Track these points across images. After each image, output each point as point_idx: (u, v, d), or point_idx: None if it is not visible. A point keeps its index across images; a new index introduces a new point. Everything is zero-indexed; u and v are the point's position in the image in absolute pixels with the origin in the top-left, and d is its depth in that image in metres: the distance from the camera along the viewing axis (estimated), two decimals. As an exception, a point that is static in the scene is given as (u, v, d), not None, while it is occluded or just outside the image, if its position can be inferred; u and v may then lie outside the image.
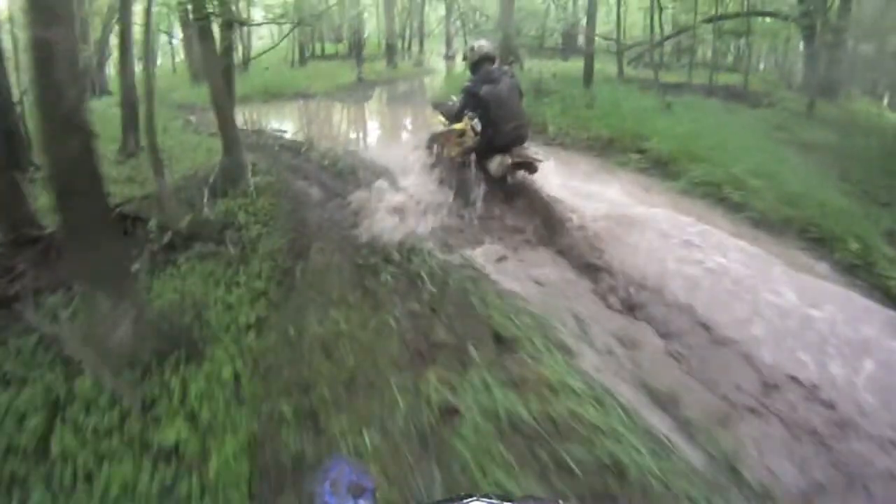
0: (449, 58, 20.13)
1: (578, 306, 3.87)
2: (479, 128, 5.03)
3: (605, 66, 15.30)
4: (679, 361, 3.26)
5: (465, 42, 21.23)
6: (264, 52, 12.34)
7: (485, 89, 4.86)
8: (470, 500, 0.87)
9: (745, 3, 18.04)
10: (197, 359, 2.96)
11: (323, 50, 21.02)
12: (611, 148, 8.02)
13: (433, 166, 5.85)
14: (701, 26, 18.54)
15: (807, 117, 12.93)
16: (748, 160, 7.24)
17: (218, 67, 5.19)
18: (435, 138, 5.87)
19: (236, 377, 2.83)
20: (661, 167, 7.05)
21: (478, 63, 5.15)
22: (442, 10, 22.56)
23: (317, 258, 4.21)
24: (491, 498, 0.88)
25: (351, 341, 3.13)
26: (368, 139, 8.98)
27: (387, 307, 3.46)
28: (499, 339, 3.18)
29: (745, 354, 3.24)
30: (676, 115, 9.99)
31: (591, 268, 4.27)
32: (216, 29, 5.79)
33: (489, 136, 4.94)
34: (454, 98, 5.87)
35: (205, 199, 5.43)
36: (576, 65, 15.97)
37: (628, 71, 15.62)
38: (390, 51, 18.08)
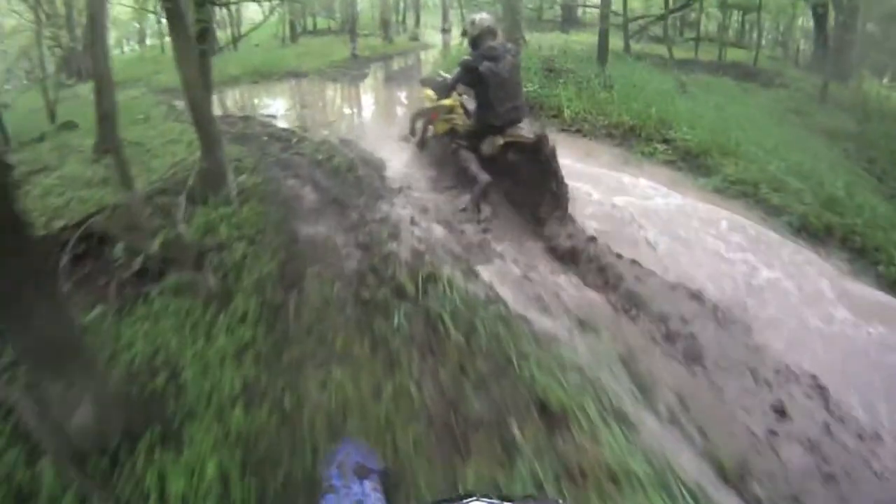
0: (445, 31, 19.13)
1: (624, 347, 3.27)
2: (470, 105, 4.93)
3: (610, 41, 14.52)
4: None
5: (462, 15, 20.32)
6: (253, 28, 11.37)
7: (485, 66, 4.56)
8: (470, 500, 0.86)
9: (754, -24, 17.10)
10: (174, 442, 2.31)
11: (315, 25, 19.93)
12: (633, 136, 7.30)
13: (420, 147, 5.68)
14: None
15: (821, 100, 12.27)
16: (780, 155, 6.60)
17: (191, 54, 4.39)
18: (420, 114, 5.71)
19: (223, 476, 2.17)
20: (691, 161, 6.39)
21: (479, 38, 4.82)
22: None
23: (313, 290, 3.52)
24: (491, 498, 0.86)
25: (362, 417, 2.47)
26: (365, 126, 8.12)
27: (403, 364, 2.79)
28: (545, 410, 2.54)
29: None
30: (695, 98, 9.30)
31: (628, 295, 3.66)
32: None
33: (484, 116, 4.74)
34: (442, 73, 5.67)
35: (181, 210, 4.69)
36: (578, 38, 15.14)
37: (633, 46, 14.72)
38: (385, 25, 17.06)
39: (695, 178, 6.00)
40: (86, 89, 13.67)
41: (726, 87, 11.96)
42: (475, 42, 4.83)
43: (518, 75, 4.82)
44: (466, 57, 4.82)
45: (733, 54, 16.07)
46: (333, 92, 11.22)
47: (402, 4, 22.53)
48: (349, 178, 5.49)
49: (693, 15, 19.12)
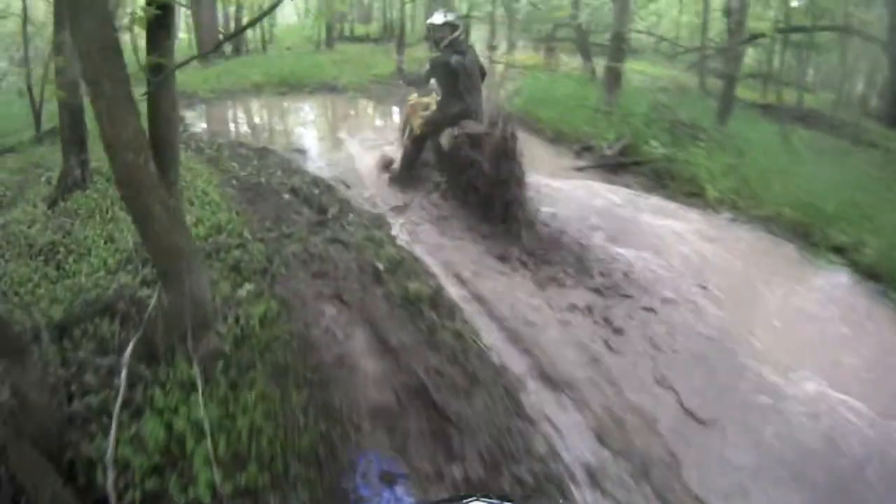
0: (492, 48, 16.47)
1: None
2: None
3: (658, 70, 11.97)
4: None
5: (509, 33, 17.71)
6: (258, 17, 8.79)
7: (455, 59, 4.63)
8: (470, 500, 0.84)
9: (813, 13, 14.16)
10: None
11: (352, 31, 17.29)
12: (794, 234, 4.91)
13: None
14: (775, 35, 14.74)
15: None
16: None
17: (122, 104, 1.79)
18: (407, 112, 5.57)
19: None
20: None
21: (444, 34, 4.77)
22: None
23: None
24: (491, 498, 0.85)
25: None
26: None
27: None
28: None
29: None
30: (826, 167, 6.70)
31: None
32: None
33: (450, 106, 4.76)
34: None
35: (120, 395, 2.22)
36: (638, 67, 12.55)
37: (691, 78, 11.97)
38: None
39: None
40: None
41: (834, 148, 9.22)
42: (441, 38, 4.79)
43: (478, 72, 4.86)
44: (436, 54, 4.85)
45: (789, 96, 13.23)
46: (383, 121, 8.45)
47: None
48: (444, 337, 2.87)
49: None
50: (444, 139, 4.78)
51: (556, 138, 6.96)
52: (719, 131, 7.07)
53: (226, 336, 2.85)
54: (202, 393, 2.48)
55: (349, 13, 18.48)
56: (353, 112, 8.97)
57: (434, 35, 4.88)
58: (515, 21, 18.72)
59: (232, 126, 7.99)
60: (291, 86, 10.26)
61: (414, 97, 5.39)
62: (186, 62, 2.26)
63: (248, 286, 3.38)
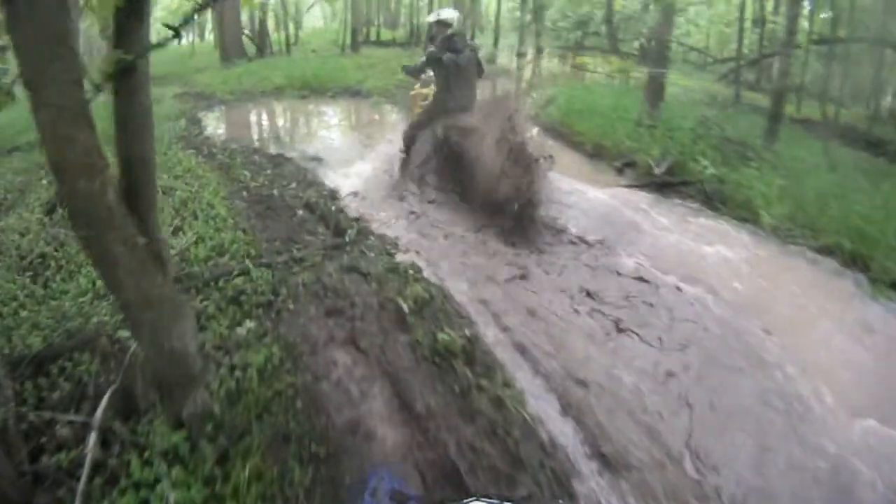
0: (521, 55, 15.88)
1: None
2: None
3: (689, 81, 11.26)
4: None
5: (537, 38, 17.12)
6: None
7: (447, 56, 4.81)
8: (470, 500, 0.85)
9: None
10: None
11: (378, 35, 16.81)
12: (853, 266, 4.22)
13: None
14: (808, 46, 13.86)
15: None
16: None
17: (71, 84, 1.27)
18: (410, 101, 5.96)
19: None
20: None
21: (443, 31, 5.01)
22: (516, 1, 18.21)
23: None
24: (491, 498, 0.87)
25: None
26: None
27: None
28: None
29: None
30: (875, 189, 5.95)
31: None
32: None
33: (442, 99, 4.96)
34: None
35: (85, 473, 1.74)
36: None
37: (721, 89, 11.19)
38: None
39: None
40: None
41: (872, 168, 8.43)
42: (440, 34, 4.99)
43: (473, 70, 4.97)
44: (432, 48, 5.02)
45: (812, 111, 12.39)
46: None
47: (469, 21, 19.31)
48: (480, 403, 2.34)
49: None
50: (439, 128, 4.96)
51: (596, 153, 6.36)
52: (768, 149, 6.41)
53: (217, 392, 2.32)
54: (186, 465, 1.97)
55: (376, 18, 18.05)
56: (376, 117, 8.44)
57: (431, 32, 5.21)
58: (544, 28, 18.17)
59: (248, 130, 7.52)
60: (314, 89, 9.79)
61: (417, 88, 5.74)
62: (159, 46, 1.71)
63: (249, 324, 2.85)
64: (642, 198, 5.20)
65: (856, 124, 11.65)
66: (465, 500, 0.87)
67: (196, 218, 3.99)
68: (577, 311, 3.18)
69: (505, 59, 15.20)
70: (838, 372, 3.01)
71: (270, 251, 3.50)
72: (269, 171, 5.11)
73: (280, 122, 8.42)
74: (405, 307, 2.87)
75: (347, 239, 3.64)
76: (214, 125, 7.51)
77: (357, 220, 4.01)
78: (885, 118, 15.92)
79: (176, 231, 3.83)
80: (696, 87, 11.59)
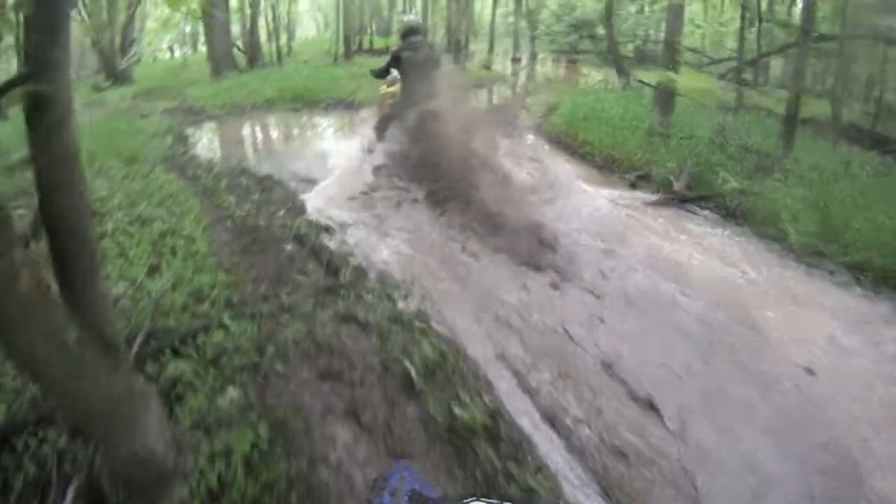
0: (516, 60, 15.51)
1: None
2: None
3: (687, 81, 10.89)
4: None
5: (532, 43, 16.74)
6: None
7: (406, 54, 5.33)
8: (470, 500, 0.81)
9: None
10: None
11: (371, 44, 16.35)
12: (885, 285, 3.76)
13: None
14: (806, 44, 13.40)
15: None
16: None
17: None
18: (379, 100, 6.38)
19: None
20: None
21: (405, 34, 5.60)
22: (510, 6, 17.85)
23: None
24: (491, 498, 0.81)
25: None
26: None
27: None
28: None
29: None
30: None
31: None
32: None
33: (409, 91, 5.38)
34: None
35: None
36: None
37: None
38: (456, 49, 13.50)
39: None
40: (115, 95, 10.53)
41: (884, 170, 8.04)
42: (403, 37, 5.61)
43: (431, 65, 5.47)
44: (394, 48, 5.73)
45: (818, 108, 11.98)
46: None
47: (464, 25, 18.86)
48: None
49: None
50: (412, 117, 5.20)
51: (606, 165, 5.92)
52: (786, 157, 5.99)
53: (196, 490, 1.88)
54: None
55: (369, 26, 17.59)
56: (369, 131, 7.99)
57: (401, 31, 5.85)
58: (538, 33, 17.77)
59: (237, 148, 7.05)
60: (306, 101, 9.34)
61: (384, 88, 6.22)
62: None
63: (232, 392, 2.40)
64: (659, 212, 4.78)
65: (858, 122, 11.25)
66: (465, 500, 0.82)
67: (175, 254, 3.53)
68: (609, 370, 2.74)
69: (499, 65, 14.80)
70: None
71: (255, 296, 3.05)
72: (255, 196, 4.65)
73: (270, 137, 7.97)
74: (412, 371, 2.42)
75: (342, 279, 3.18)
76: (201, 143, 7.05)
77: (351, 254, 3.54)
78: (886, 115, 15.45)
79: (152, 271, 3.37)
80: (693, 88, 11.20)
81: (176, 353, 2.59)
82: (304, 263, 3.41)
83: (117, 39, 11.85)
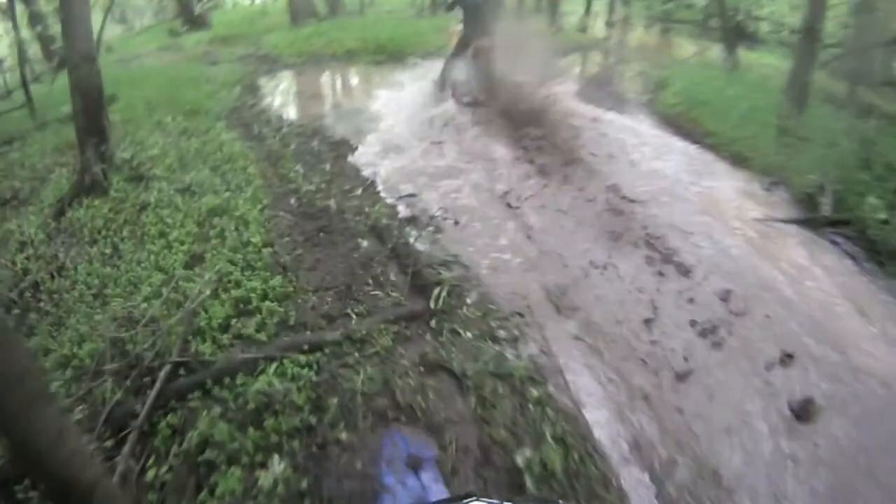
0: (610, 25, 13.79)
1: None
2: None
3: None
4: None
5: (627, 7, 14.92)
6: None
7: None
8: (470, 500, 0.80)
9: None
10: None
11: None
12: None
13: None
14: None
15: None
16: None
17: None
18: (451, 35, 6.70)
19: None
20: None
21: None
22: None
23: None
24: (491, 498, 0.80)
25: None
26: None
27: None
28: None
29: None
30: None
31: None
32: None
33: (466, 30, 5.75)
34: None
35: None
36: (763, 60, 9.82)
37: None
38: (554, 8, 12.12)
39: None
40: (191, 40, 10.06)
41: None
42: None
43: (490, 6, 5.66)
44: None
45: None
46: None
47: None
48: None
49: None
50: (471, 50, 5.70)
51: (736, 162, 4.76)
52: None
53: None
54: None
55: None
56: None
57: None
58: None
59: (311, 104, 6.27)
60: (390, 54, 8.40)
61: (453, 28, 6.58)
62: None
63: (278, 466, 1.69)
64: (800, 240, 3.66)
65: None
66: (464, 500, 0.77)
67: (223, 240, 2.84)
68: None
69: (595, 28, 13.18)
70: None
71: (317, 313, 2.30)
72: (327, 167, 3.87)
73: (349, 94, 7.17)
74: (523, 466, 1.62)
75: (434, 303, 2.37)
76: (273, 95, 6.33)
77: (446, 262, 2.70)
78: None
79: (192, 262, 2.70)
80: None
81: (208, 393, 1.90)
82: (384, 269, 2.61)
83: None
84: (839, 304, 2.95)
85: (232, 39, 10.14)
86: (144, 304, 2.32)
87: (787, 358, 2.32)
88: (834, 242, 3.76)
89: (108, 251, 2.96)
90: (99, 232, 3.15)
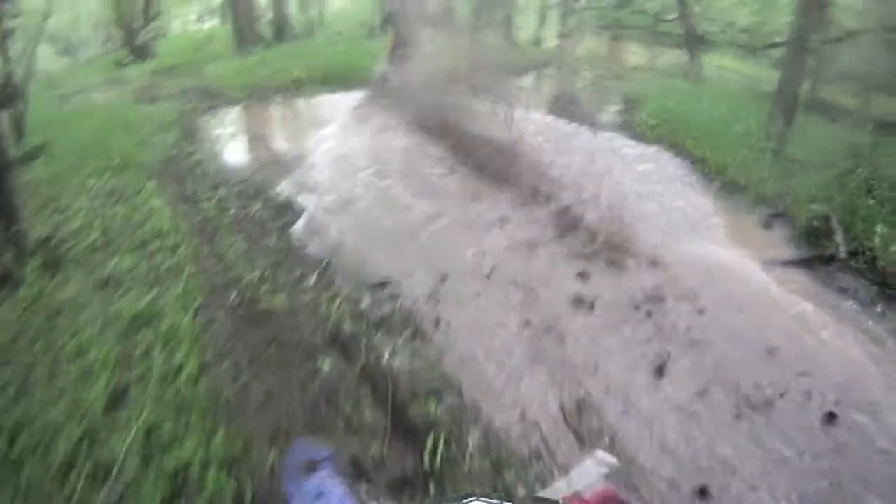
0: (563, 36, 13.59)
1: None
2: None
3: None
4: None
5: (578, 18, 14.80)
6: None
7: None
8: (470, 499, 0.78)
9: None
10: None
11: (408, 13, 14.48)
12: None
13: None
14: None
15: None
16: None
17: None
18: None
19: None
20: None
21: None
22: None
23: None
24: (491, 498, 0.80)
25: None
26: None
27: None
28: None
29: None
30: None
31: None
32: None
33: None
34: None
35: None
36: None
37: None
38: (508, 23, 11.84)
39: None
40: (135, 72, 9.19)
41: None
42: None
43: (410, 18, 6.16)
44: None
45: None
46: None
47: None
48: None
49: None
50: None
51: (727, 189, 4.35)
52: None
53: None
54: None
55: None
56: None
57: None
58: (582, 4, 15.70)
59: (253, 150, 5.54)
60: (340, 82, 7.73)
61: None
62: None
63: None
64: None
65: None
66: (464, 500, 0.74)
67: (150, 367, 2.16)
68: None
69: (548, 41, 12.86)
70: None
71: (267, 480, 1.67)
72: (272, 241, 3.22)
73: (294, 135, 6.44)
74: None
75: (429, 462, 1.74)
76: (212, 140, 5.57)
77: (435, 390, 2.06)
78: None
79: (114, 400, 2.02)
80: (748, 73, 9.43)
81: None
82: (356, 404, 1.99)
83: (139, 13, 10.52)
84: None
85: (177, 69, 9.36)
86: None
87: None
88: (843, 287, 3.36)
89: (17, 381, 2.19)
90: (8, 349, 2.40)
